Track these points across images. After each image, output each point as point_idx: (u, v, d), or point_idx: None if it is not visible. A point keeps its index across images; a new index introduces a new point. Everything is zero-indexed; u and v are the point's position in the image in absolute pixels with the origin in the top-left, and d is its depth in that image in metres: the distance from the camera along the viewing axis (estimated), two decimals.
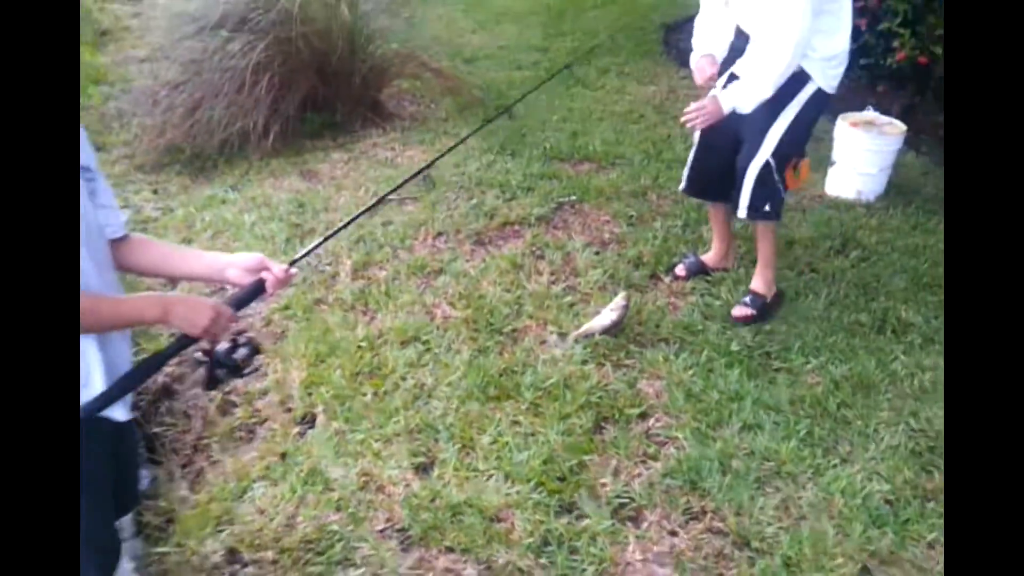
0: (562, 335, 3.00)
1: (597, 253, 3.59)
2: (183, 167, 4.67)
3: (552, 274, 3.42)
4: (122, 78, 5.71)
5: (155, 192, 4.42)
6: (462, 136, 3.18)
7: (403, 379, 2.76)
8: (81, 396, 1.40)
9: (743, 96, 2.80)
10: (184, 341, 1.51)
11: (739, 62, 2.91)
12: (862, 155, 4.11)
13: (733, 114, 2.83)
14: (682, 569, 2.09)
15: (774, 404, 2.65)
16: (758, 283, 3.17)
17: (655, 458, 2.46)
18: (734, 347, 2.93)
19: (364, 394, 2.69)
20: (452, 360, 2.85)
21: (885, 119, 4.25)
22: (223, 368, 1.58)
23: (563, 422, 2.56)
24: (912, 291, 3.36)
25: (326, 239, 1.87)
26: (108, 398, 1.43)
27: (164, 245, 1.99)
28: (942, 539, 2.18)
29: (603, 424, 2.59)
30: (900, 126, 4.19)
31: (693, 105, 2.86)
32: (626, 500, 2.30)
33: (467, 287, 3.30)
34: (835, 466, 2.42)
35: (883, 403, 2.69)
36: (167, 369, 2.94)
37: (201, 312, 1.49)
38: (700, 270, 3.40)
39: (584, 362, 2.85)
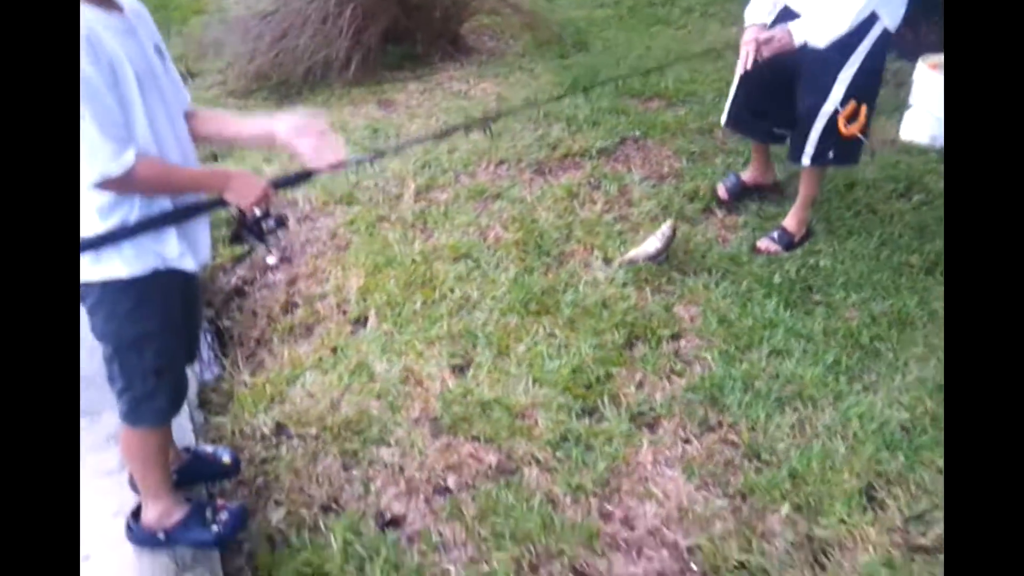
0: (607, 260, 3.11)
1: (654, 186, 3.66)
2: (270, 93, 4.94)
3: (606, 203, 3.52)
4: (219, 8, 6.02)
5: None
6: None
7: (451, 291, 2.94)
8: (159, 249, 1.67)
9: (820, 30, 2.71)
10: (221, 201, 1.74)
11: None
12: (939, 98, 3.98)
13: (798, 52, 2.78)
14: (690, 473, 2.21)
15: (806, 333, 2.71)
16: (791, 221, 3.20)
17: (680, 375, 2.57)
18: (776, 279, 2.98)
19: (414, 302, 2.88)
20: (499, 277, 3.01)
21: None
22: (250, 231, 1.80)
23: (596, 337, 2.69)
24: None
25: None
26: (142, 227, 1.63)
27: (222, 113, 2.20)
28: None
29: (634, 342, 2.71)
30: None
31: (763, 33, 2.81)
32: (646, 409, 2.42)
33: (521, 212, 3.44)
34: (857, 393, 2.47)
35: (918, 339, 2.70)
36: (239, 272, 3.22)
37: (253, 187, 1.73)
38: (740, 189, 3.43)
39: (624, 285, 2.96)
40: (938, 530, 2.05)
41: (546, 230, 3.29)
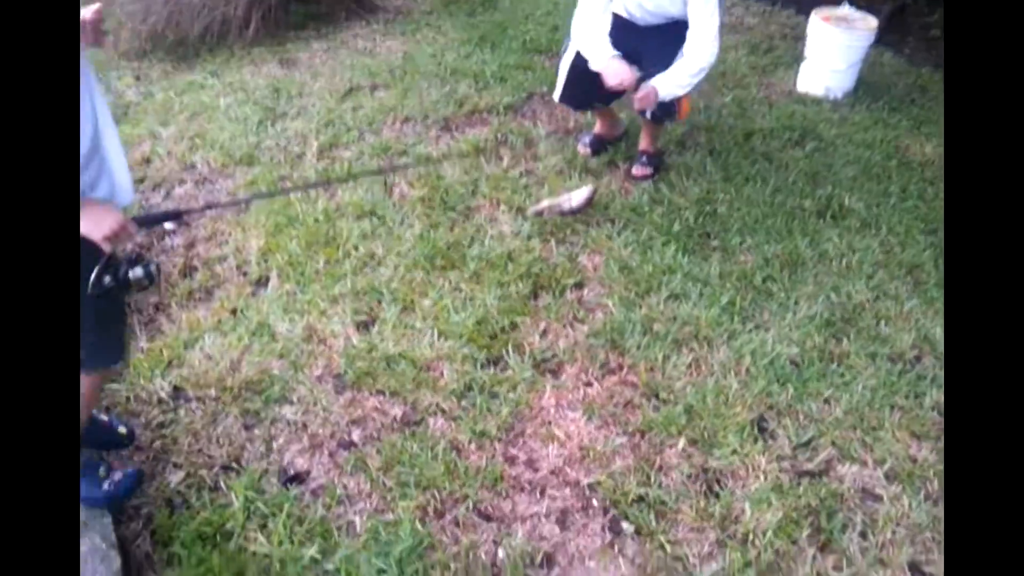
0: (520, 211, 3.13)
1: (559, 140, 3.68)
2: (165, 54, 4.73)
3: (512, 159, 3.52)
4: None
5: (137, 79, 4.51)
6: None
7: (355, 248, 2.91)
8: None
9: (675, 88, 3.05)
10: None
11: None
12: (832, 51, 4.12)
13: (633, 40, 3.13)
14: (591, 413, 2.27)
15: (703, 277, 2.79)
16: (646, 143, 3.42)
17: (583, 321, 2.62)
18: (675, 227, 3.05)
19: (317, 261, 2.84)
20: (404, 233, 2.99)
21: (859, 14, 4.23)
22: (111, 276, 1.62)
23: (501, 289, 2.71)
24: (860, 180, 3.45)
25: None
26: None
27: None
28: (838, 396, 2.35)
29: (539, 292, 2.75)
30: (872, 22, 4.17)
31: (638, 95, 3.03)
32: (549, 356, 2.47)
33: (427, 168, 3.42)
34: (750, 331, 2.57)
35: (808, 279, 2.82)
36: (136, 238, 3.11)
37: (107, 218, 1.56)
38: (599, 143, 3.56)
39: (530, 238, 2.98)
40: (823, 455, 2.17)
41: (452, 186, 3.28)
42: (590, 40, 3.11)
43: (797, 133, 3.79)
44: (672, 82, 3.04)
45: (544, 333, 2.57)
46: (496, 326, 2.56)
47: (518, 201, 3.20)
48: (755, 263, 2.88)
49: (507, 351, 2.47)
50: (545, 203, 3.12)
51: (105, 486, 1.92)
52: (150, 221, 1.89)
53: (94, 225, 1.54)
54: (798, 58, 4.39)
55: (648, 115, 3.20)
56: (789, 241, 2.99)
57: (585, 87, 3.23)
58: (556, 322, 2.61)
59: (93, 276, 1.60)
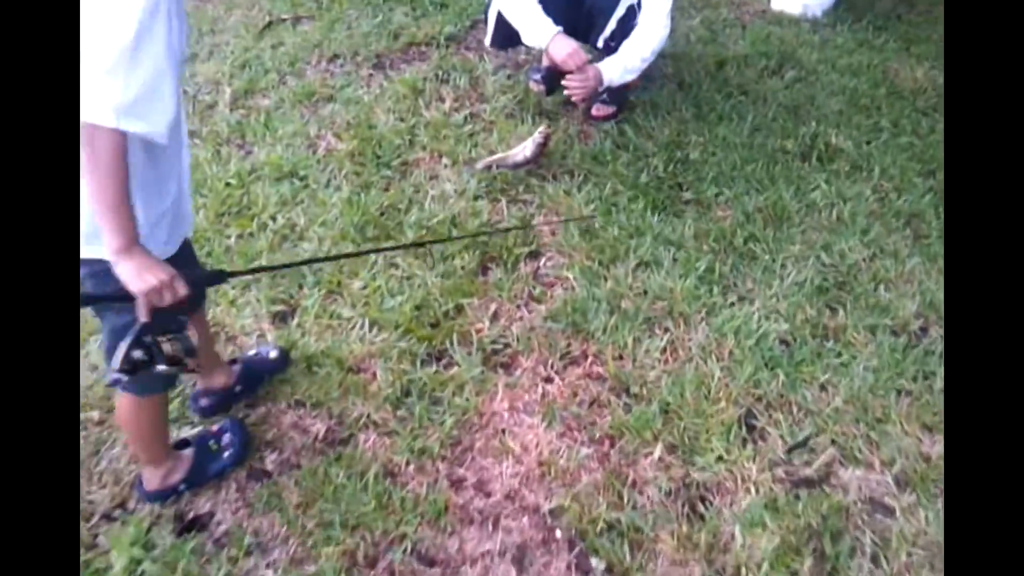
0: (468, 162, 2.72)
1: (509, 76, 3.24)
2: None
3: (455, 100, 3.08)
4: None
5: None
6: None
7: (273, 219, 2.49)
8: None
9: (624, 73, 2.73)
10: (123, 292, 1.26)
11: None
12: None
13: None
14: (551, 418, 1.93)
15: (676, 239, 2.43)
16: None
17: (539, 300, 2.25)
18: (643, 179, 2.67)
19: (228, 236, 2.42)
20: (330, 198, 2.57)
21: None
22: (143, 350, 1.31)
23: (444, 263, 2.33)
24: (847, 114, 3.08)
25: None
26: None
27: None
28: (836, 381, 2.04)
29: (489, 265, 2.36)
30: None
31: (574, 78, 2.68)
32: (500, 346, 2.11)
33: (357, 116, 2.97)
34: (732, 305, 2.23)
35: (795, 236, 2.47)
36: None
37: (153, 272, 1.25)
38: (552, 76, 2.85)
39: (477, 198, 2.58)
40: (823, 457, 1.86)
41: (386, 136, 2.85)
42: (524, 10, 2.70)
43: (774, 60, 3.38)
44: (620, 65, 2.68)
45: (495, 317, 2.20)
46: (438, 311, 2.18)
47: (462, 153, 2.78)
48: (735, 219, 2.52)
49: (451, 343, 2.10)
50: (496, 157, 2.71)
51: (225, 456, 1.78)
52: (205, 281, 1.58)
53: (133, 275, 1.24)
54: None
55: (593, 107, 2.92)
56: (772, 191, 2.63)
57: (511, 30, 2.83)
58: (509, 302, 2.24)
59: (122, 351, 1.30)
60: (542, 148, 2.66)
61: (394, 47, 3.43)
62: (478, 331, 2.14)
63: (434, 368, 2.04)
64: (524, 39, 2.76)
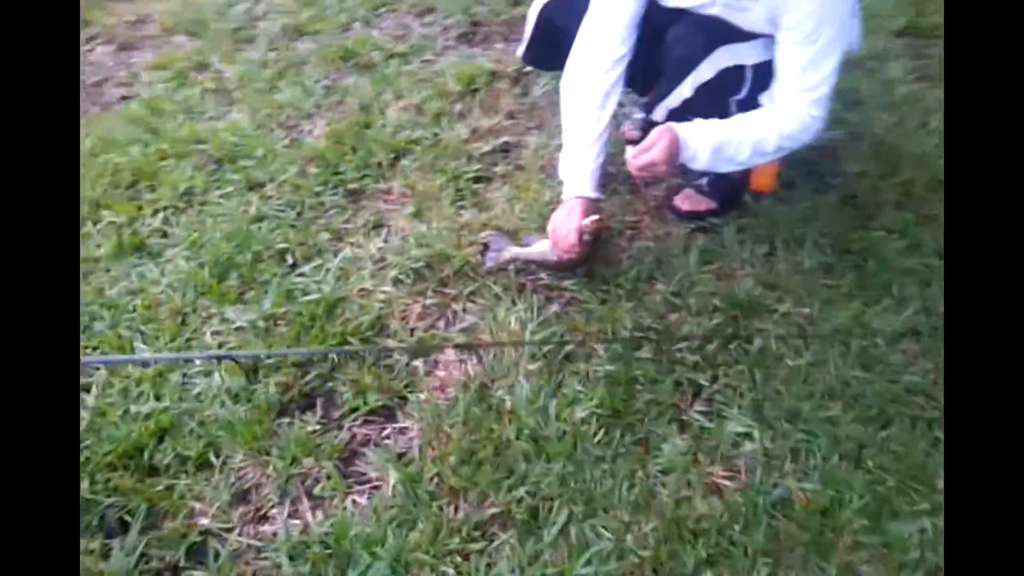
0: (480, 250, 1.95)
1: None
2: None
3: None
4: None
5: None
6: None
7: None
8: None
9: (717, 157, 1.70)
10: None
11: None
12: None
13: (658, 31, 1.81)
14: None
15: None
16: None
17: None
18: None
19: None
20: None
21: None
22: None
23: None
24: None
25: None
26: None
27: None
28: None
29: None
30: None
31: (637, 150, 1.67)
32: None
33: None
34: None
35: None
36: None
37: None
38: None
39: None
40: None
41: None
42: (581, 98, 1.84)
43: None
44: (715, 139, 1.67)
45: None
46: None
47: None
48: None
49: None
50: (518, 251, 1.89)
51: None
52: None
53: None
54: None
55: (679, 195, 2.06)
56: None
57: (558, 46, 1.93)
58: None
59: None
60: (590, 246, 1.80)
61: None
62: None
63: None
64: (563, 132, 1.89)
